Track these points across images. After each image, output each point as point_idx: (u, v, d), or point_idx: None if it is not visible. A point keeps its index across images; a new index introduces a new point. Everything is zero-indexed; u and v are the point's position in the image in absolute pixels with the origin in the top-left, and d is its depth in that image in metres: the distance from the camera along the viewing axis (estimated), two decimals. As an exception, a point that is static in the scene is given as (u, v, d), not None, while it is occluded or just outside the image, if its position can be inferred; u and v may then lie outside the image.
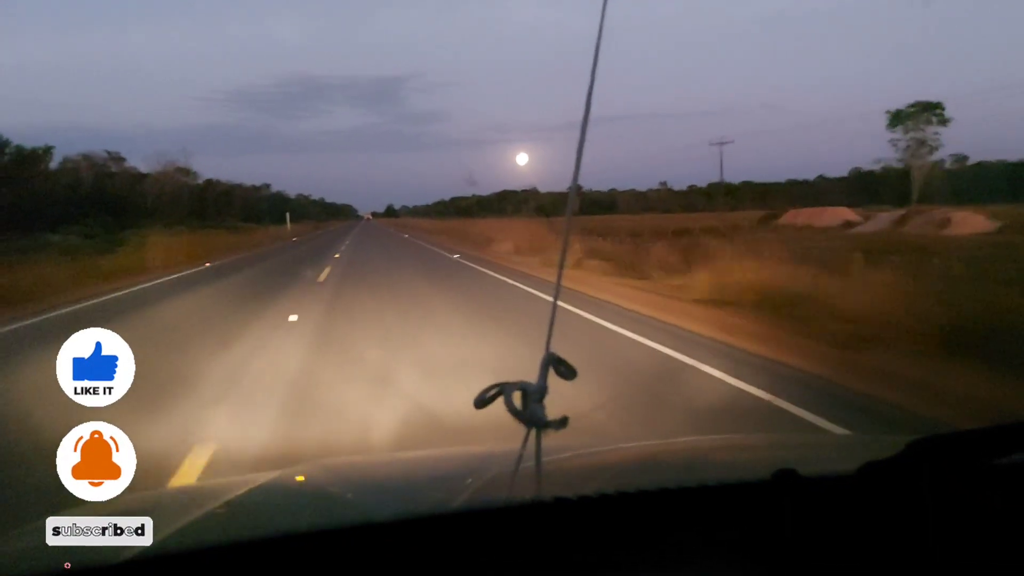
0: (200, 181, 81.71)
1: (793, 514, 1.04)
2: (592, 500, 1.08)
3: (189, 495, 1.75)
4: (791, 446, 2.06)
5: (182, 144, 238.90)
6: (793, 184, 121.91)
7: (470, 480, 1.47)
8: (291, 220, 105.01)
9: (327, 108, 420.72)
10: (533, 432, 1.06)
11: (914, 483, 0.97)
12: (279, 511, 1.38)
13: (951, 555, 0.91)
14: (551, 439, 1.09)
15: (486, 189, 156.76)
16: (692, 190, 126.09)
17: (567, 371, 1.11)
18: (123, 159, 72.32)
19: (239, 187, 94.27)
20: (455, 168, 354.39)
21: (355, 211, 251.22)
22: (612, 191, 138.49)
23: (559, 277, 1.53)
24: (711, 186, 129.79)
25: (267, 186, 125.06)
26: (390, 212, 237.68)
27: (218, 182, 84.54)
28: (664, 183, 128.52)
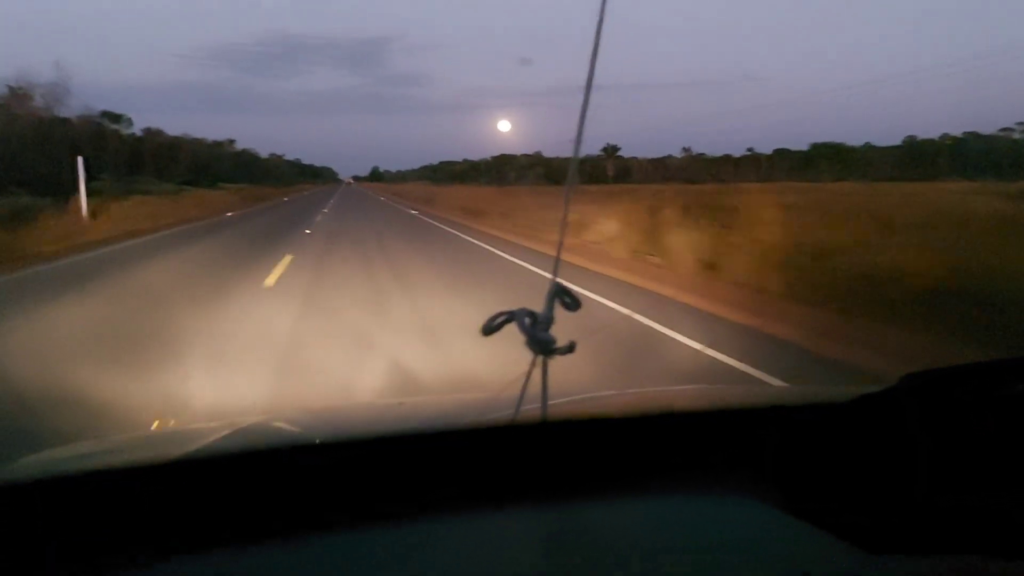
0: (138, 132, 65.90)
1: (787, 438, 1.10)
2: (597, 422, 1.18)
3: (172, 435, 1.70)
4: (797, 391, 2.13)
5: (162, 102, 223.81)
6: (835, 150, 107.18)
7: (472, 408, 1.54)
8: (255, 183, 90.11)
9: (308, 68, 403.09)
10: (539, 361, 1.06)
11: (907, 411, 1.01)
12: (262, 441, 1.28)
13: (941, 478, 0.94)
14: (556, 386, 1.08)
15: (478, 154, 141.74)
16: (721, 159, 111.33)
17: (572, 302, 1.13)
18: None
19: (190, 140, 78.05)
20: (441, 131, 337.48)
21: (335, 174, 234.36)
22: (623, 158, 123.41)
23: (564, 217, 1.58)
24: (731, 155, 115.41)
25: (231, 141, 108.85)
26: (375, 176, 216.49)
27: (160, 132, 68.62)
28: (688, 149, 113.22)
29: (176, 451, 1.14)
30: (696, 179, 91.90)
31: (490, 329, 1.07)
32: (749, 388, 2.27)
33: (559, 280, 1.10)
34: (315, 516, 0.88)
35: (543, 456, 1.07)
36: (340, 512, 0.90)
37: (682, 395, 1.83)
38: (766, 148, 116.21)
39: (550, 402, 1.07)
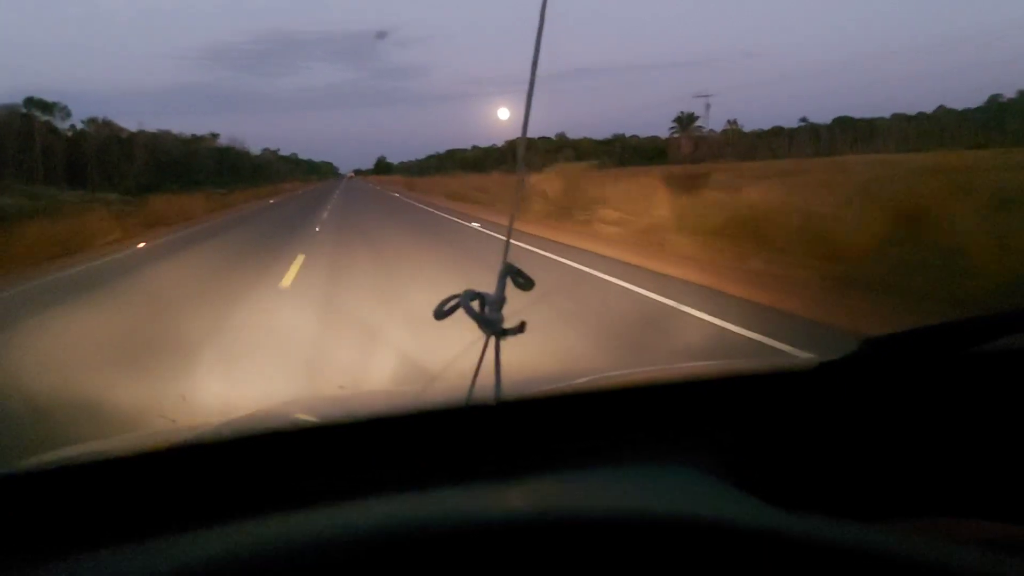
0: (73, 126, 52.21)
1: (748, 406, 1.09)
2: (548, 400, 1.19)
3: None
4: (759, 364, 2.05)
5: (157, 105, 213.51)
6: (902, 119, 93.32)
7: (423, 394, 1.54)
8: (241, 183, 76.87)
9: (304, 64, 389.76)
10: (492, 342, 1.07)
11: (872, 375, 1.02)
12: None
13: (902, 444, 0.95)
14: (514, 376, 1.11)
15: (488, 140, 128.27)
16: (771, 132, 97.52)
17: (525, 282, 1.12)
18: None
19: (152, 135, 64.23)
20: (445, 120, 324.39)
21: (336, 169, 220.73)
22: (656, 137, 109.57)
23: (517, 194, 2.16)
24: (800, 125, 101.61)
25: (213, 136, 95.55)
26: (382, 168, 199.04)
27: (109, 125, 55.21)
28: (734, 121, 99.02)
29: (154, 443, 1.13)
30: (753, 155, 78.13)
31: (442, 314, 1.07)
32: (720, 363, 2.11)
33: (511, 263, 1.12)
34: (274, 502, 0.86)
35: (495, 437, 1.06)
36: (295, 497, 0.87)
37: (648, 373, 1.63)
38: (796, 120, 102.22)
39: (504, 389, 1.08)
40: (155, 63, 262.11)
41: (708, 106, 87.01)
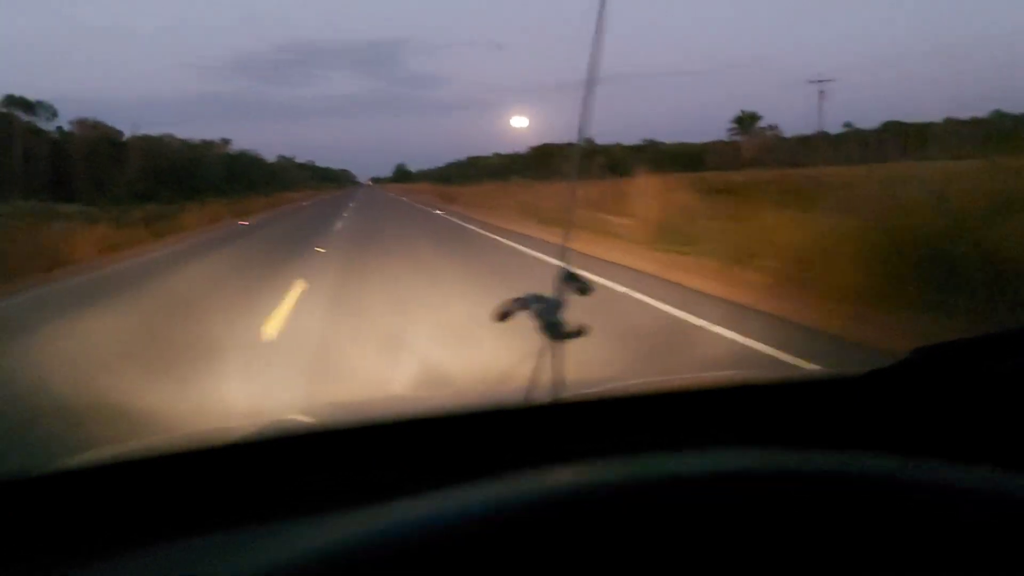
0: (60, 128, 46.79)
1: (793, 414, 1.08)
2: (606, 402, 1.20)
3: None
4: (810, 372, 2.24)
5: (179, 114, 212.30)
6: (955, 123, 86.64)
7: (483, 394, 1.57)
8: (252, 191, 71.62)
9: (324, 73, 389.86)
10: (550, 346, 1.07)
11: (921, 384, 1.01)
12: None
13: (958, 448, 0.93)
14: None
15: (509, 147, 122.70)
16: (817, 136, 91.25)
17: (583, 286, 1.13)
18: None
19: (148, 139, 59.03)
20: (464, 128, 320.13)
21: (353, 177, 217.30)
22: (682, 143, 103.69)
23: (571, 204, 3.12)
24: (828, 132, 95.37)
25: (225, 141, 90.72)
26: (401, 176, 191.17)
27: (98, 126, 50.15)
28: (773, 127, 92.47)
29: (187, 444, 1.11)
30: (793, 161, 72.33)
31: (502, 316, 1.10)
32: (769, 371, 2.15)
33: (567, 267, 1.15)
34: (333, 498, 0.85)
35: (552, 438, 1.04)
36: (356, 492, 0.87)
37: (700, 379, 1.69)
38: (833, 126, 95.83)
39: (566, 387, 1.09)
40: (179, 73, 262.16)
41: (822, 93, 71.80)
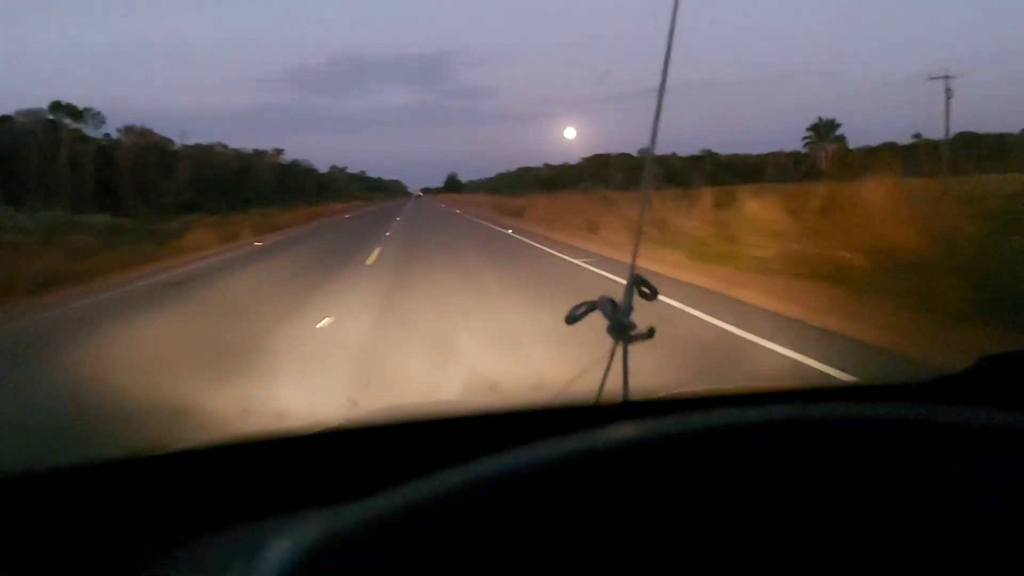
0: (108, 135, 45.42)
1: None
2: (676, 402, 1.19)
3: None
4: (876, 379, 2.24)
5: (235, 124, 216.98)
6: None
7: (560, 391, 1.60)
8: (302, 201, 70.37)
9: (376, 86, 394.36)
10: (620, 347, 1.10)
11: (987, 390, 1.00)
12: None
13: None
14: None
15: (560, 157, 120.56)
16: (883, 147, 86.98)
17: (650, 292, 1.15)
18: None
19: (197, 148, 57.93)
20: (515, 138, 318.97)
21: (404, 187, 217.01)
22: (736, 155, 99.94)
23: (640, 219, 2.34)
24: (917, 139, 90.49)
25: (277, 151, 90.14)
26: (452, 186, 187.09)
27: (147, 134, 49.06)
28: (842, 137, 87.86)
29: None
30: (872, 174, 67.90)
31: (574, 318, 1.13)
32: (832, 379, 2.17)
33: (637, 273, 1.16)
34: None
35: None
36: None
37: (770, 385, 1.62)
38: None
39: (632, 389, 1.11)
40: (236, 85, 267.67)
41: (949, 91, 59.86)
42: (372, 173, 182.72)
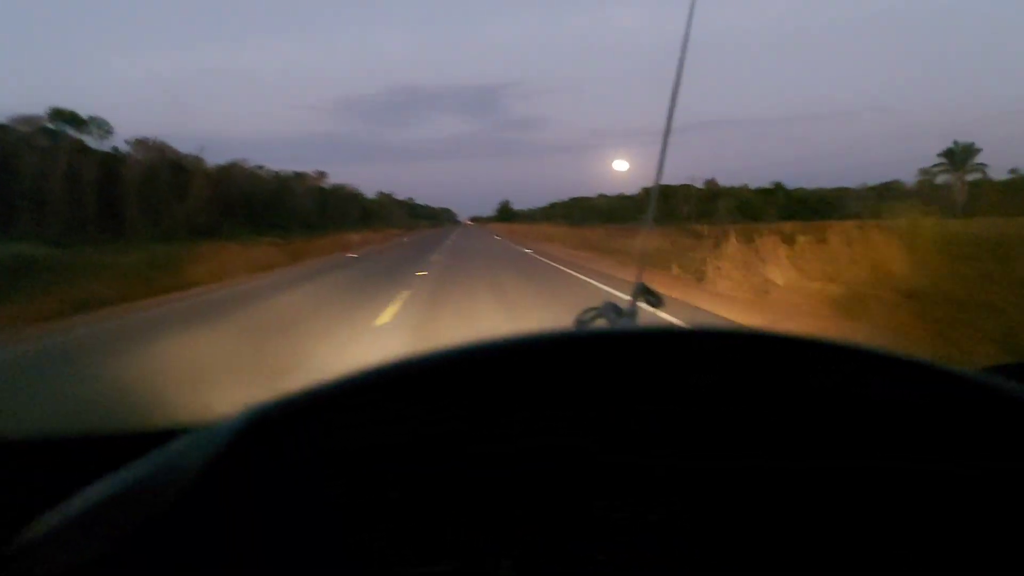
0: (115, 148, 39.88)
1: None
2: None
3: None
4: None
5: (290, 152, 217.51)
6: None
7: None
8: (346, 227, 64.75)
9: (428, 116, 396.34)
10: None
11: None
12: None
13: None
14: None
15: (613, 188, 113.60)
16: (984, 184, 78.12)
17: (655, 300, 1.18)
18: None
19: (222, 168, 52.34)
20: (568, 169, 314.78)
21: (454, 216, 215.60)
22: (817, 188, 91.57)
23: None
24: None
25: (319, 174, 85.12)
26: (506, 215, 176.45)
27: (162, 147, 43.74)
28: (932, 172, 78.56)
29: None
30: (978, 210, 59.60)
31: (581, 324, 1.12)
32: None
33: (642, 281, 1.22)
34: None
35: None
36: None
37: None
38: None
39: None
40: (292, 114, 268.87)
41: None
42: (421, 200, 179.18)
